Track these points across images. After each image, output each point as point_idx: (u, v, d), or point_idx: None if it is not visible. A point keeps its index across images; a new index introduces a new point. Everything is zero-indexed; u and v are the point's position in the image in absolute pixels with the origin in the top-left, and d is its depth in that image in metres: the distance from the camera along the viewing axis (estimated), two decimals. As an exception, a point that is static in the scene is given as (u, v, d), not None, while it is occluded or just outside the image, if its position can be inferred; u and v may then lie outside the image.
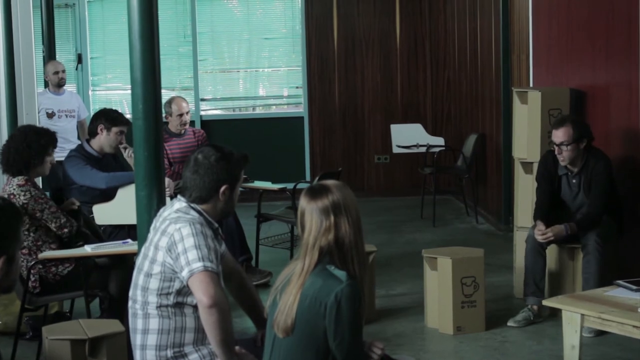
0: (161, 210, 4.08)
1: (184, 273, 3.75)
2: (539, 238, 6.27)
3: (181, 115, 7.87)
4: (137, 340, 3.90)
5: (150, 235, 3.99)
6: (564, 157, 6.33)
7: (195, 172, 3.94)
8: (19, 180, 5.72)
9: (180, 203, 3.95)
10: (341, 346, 3.32)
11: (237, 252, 7.42)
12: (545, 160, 6.57)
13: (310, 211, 3.43)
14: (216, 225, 3.97)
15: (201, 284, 3.72)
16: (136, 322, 3.90)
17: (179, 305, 3.86)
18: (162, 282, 3.81)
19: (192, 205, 3.93)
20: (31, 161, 5.76)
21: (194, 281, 3.74)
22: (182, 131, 7.90)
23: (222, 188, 3.95)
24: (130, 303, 3.95)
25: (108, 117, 6.73)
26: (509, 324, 6.30)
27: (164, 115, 7.48)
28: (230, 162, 3.98)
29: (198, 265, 3.73)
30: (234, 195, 4.03)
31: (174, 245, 3.78)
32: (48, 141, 5.84)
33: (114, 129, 6.68)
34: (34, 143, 5.77)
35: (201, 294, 3.72)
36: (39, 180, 7.33)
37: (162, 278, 3.81)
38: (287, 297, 3.40)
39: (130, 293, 3.96)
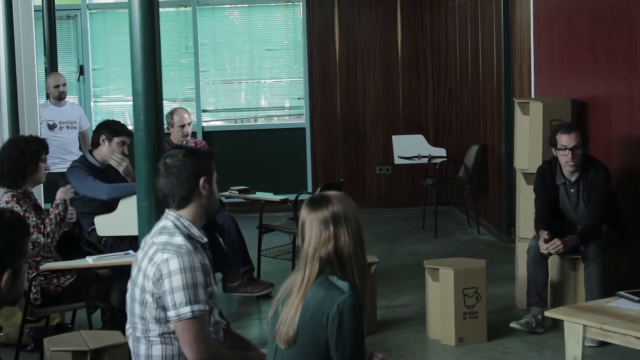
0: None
1: (171, 314, 3.67)
2: (544, 249, 6.25)
3: (183, 126, 7.89)
4: None
5: (139, 254, 3.87)
6: (575, 162, 6.30)
7: (170, 175, 3.81)
8: (6, 197, 5.71)
9: (166, 220, 3.83)
10: (343, 357, 3.32)
11: (238, 263, 7.42)
12: (542, 171, 6.57)
13: (310, 222, 3.44)
14: (205, 239, 3.86)
15: (187, 334, 3.66)
16: (138, 348, 3.82)
17: None
18: (158, 311, 3.72)
19: (180, 219, 3.80)
20: (26, 169, 5.75)
21: (180, 328, 3.67)
22: (184, 142, 7.92)
23: (201, 180, 3.84)
24: (130, 331, 3.86)
25: (109, 127, 6.76)
26: (511, 325, 6.31)
27: (165, 126, 7.48)
28: (198, 155, 3.90)
29: (186, 310, 3.65)
30: (214, 189, 3.91)
31: (161, 279, 3.67)
32: (39, 147, 5.83)
33: (116, 139, 6.69)
34: (26, 150, 5.76)
35: (187, 348, 3.68)
36: (40, 192, 7.36)
37: (156, 307, 3.72)
38: (288, 309, 3.39)
39: (129, 319, 3.86)
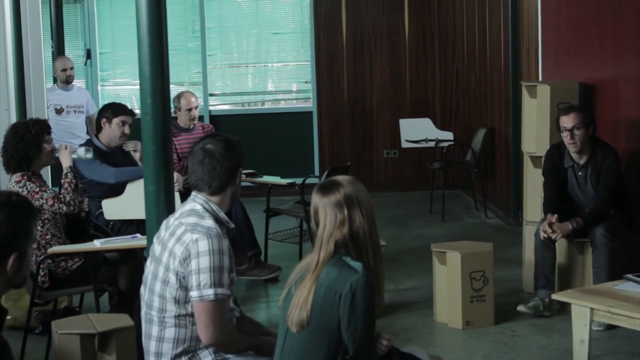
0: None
1: (194, 294, 3.69)
2: (542, 232, 6.24)
3: (190, 110, 7.88)
4: (151, 346, 3.84)
5: (161, 234, 3.90)
6: (576, 141, 6.30)
7: (214, 161, 3.84)
8: (16, 177, 5.73)
9: (194, 203, 3.85)
10: (354, 336, 3.34)
11: (246, 246, 7.43)
12: (550, 154, 6.57)
13: (323, 206, 3.45)
14: (232, 225, 3.91)
15: (205, 316, 3.70)
16: (151, 329, 3.84)
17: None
18: (179, 290, 3.74)
19: (209, 203, 3.83)
20: (28, 153, 5.75)
21: (200, 309, 3.70)
22: (191, 126, 7.92)
23: (239, 172, 3.92)
24: (145, 309, 3.87)
25: (109, 109, 6.79)
26: (518, 308, 6.30)
27: (172, 110, 7.49)
28: (236, 147, 3.95)
29: (209, 293, 3.68)
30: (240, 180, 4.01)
31: (189, 259, 3.70)
32: (39, 129, 5.81)
33: (115, 120, 6.71)
34: (26, 134, 5.75)
35: (203, 329, 3.71)
36: (47, 174, 7.37)
37: (179, 286, 3.74)
38: (301, 291, 3.40)
39: (146, 297, 3.87)
